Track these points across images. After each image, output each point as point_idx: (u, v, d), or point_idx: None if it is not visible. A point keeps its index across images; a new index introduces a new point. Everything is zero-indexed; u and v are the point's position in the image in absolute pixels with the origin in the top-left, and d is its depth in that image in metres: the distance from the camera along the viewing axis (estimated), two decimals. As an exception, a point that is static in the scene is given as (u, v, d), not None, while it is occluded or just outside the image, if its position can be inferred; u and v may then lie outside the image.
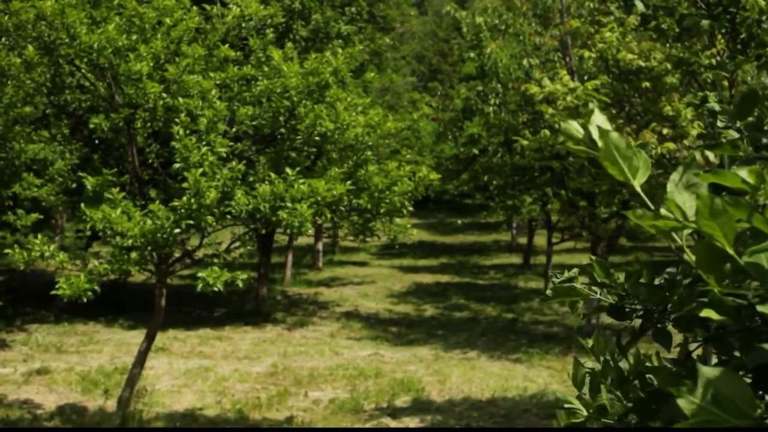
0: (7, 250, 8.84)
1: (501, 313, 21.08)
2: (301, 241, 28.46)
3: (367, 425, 11.15)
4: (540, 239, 31.95)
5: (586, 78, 12.63)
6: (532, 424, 11.11)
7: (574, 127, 1.65)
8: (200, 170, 8.06)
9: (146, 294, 21.06)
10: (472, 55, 18.28)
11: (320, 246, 28.92)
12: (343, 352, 16.21)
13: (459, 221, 27.33)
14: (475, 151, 20.18)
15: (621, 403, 2.19)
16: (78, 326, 18.08)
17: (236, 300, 21.48)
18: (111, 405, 11.86)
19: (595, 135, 1.57)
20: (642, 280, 2.17)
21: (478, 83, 18.78)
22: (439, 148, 27.06)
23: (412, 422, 11.29)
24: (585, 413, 1.91)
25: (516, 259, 31.21)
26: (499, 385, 13.37)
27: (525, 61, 15.46)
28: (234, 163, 8.46)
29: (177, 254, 9.42)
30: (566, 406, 1.93)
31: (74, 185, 9.78)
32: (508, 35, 16.70)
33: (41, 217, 15.05)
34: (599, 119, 1.62)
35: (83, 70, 9.21)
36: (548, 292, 2.27)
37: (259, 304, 20.23)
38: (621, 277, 2.33)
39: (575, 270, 2.34)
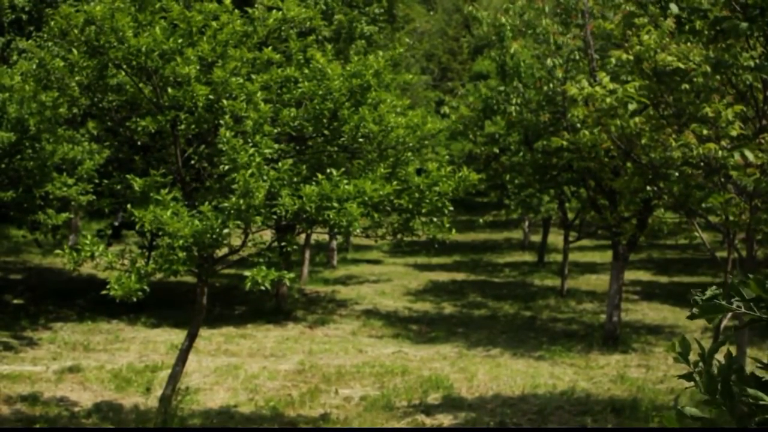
0: (57, 251, 8.94)
1: (519, 311, 21.18)
2: (313, 238, 28.50)
3: (403, 422, 11.29)
4: (552, 237, 32.05)
5: (608, 79, 12.74)
6: (566, 420, 11.25)
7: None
8: (250, 171, 8.19)
9: (166, 292, 21.18)
10: (493, 54, 18.40)
11: (335, 244, 29.02)
12: (367, 350, 16.34)
13: (481, 220, 27.39)
14: (496, 150, 20.32)
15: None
16: (101, 324, 18.20)
17: (255, 298, 21.59)
18: (146, 402, 12.03)
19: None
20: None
21: (499, 82, 18.89)
22: (453, 146, 27.13)
23: (447, 419, 11.42)
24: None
25: (529, 257, 31.30)
26: (527, 382, 13.49)
27: (549, 61, 15.56)
28: (281, 164, 8.59)
29: (220, 253, 9.56)
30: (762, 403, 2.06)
31: (119, 186, 9.92)
32: (529, 35, 16.80)
33: (72, 216, 15.26)
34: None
35: (129, 73, 9.35)
36: (694, 310, 2.38)
37: (280, 302, 20.36)
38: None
39: (714, 288, 2.46)
